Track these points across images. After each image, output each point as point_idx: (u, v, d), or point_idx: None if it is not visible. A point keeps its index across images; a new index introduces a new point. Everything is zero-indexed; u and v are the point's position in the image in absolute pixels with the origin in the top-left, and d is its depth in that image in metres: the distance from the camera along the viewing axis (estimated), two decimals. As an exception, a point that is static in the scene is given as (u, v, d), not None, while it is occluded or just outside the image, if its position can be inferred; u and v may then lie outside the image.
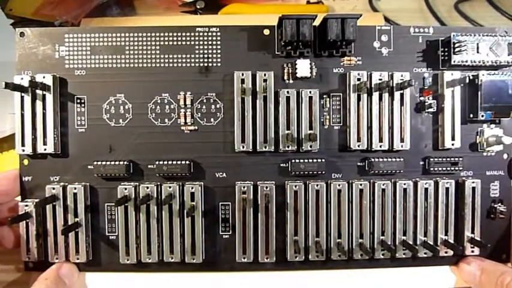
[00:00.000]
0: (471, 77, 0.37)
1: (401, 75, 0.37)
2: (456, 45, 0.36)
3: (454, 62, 0.37)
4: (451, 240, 0.38)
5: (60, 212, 0.37)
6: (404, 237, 0.38)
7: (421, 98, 0.38)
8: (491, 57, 0.37)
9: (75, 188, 0.37)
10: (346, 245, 0.37)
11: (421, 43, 0.38)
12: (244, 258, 0.37)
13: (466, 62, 0.37)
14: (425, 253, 0.38)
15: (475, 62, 0.37)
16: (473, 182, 0.37)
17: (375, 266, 0.38)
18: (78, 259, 0.37)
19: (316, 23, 0.36)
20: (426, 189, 0.37)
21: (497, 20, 0.55)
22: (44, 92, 0.36)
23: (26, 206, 0.37)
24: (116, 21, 0.52)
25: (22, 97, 0.36)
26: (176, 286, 0.38)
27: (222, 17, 0.55)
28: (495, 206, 0.38)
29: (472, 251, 0.38)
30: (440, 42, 0.38)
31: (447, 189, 0.38)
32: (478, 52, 0.36)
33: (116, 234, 0.38)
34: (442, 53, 0.38)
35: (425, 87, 0.38)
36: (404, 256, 0.38)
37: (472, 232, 0.38)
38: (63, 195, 0.37)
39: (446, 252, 0.38)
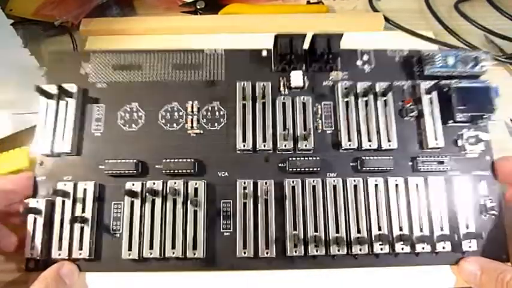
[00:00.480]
0: (444, 85, 0.42)
1: (383, 85, 0.42)
2: (428, 58, 0.42)
3: (428, 73, 0.42)
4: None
5: (68, 206, 0.38)
6: (401, 232, 0.39)
7: (403, 106, 0.42)
8: (460, 68, 0.42)
9: (85, 184, 0.39)
10: (344, 239, 0.38)
11: (397, 61, 0.44)
12: (244, 252, 0.38)
13: (438, 72, 0.42)
14: (423, 248, 0.38)
15: (446, 72, 0.42)
16: (460, 179, 0.40)
17: (375, 263, 0.39)
18: (80, 255, 0.38)
19: (307, 41, 0.42)
20: (417, 184, 0.40)
21: (497, 20, 0.55)
22: (68, 99, 0.41)
23: (37, 201, 0.38)
24: (116, 21, 0.53)
25: (46, 102, 0.41)
26: (177, 285, 0.38)
27: (222, 17, 0.55)
28: (485, 203, 0.40)
29: (470, 246, 0.38)
30: (414, 61, 0.44)
31: (437, 185, 0.40)
32: (447, 64, 0.42)
33: (120, 232, 0.39)
34: (417, 69, 0.44)
35: (406, 98, 0.43)
36: (403, 251, 0.38)
37: (467, 228, 0.39)
38: (74, 191, 0.39)
39: (444, 248, 0.38)
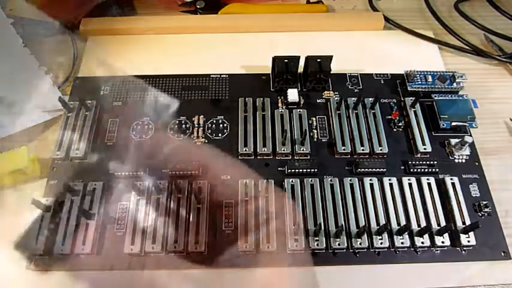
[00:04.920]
0: (428, 100, 0.47)
1: (371, 99, 0.46)
2: (410, 76, 0.47)
3: (411, 89, 0.47)
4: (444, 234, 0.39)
5: (76, 202, 0.40)
6: (399, 226, 0.39)
7: (391, 119, 0.46)
8: (439, 85, 0.47)
9: (94, 184, 0.41)
10: (344, 233, 0.39)
11: (383, 83, 0.49)
12: (246, 246, 0.38)
13: (420, 88, 0.47)
14: (422, 242, 0.39)
15: (427, 88, 0.47)
16: (451, 179, 0.42)
17: (376, 260, 0.39)
18: (83, 250, 0.38)
19: (301, 59, 0.48)
20: (410, 184, 0.42)
21: (497, 20, 0.55)
22: (86, 113, 0.45)
23: (46, 200, 0.40)
24: (116, 20, 0.54)
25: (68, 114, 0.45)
26: (178, 283, 0.38)
27: (222, 16, 0.55)
28: (478, 202, 0.41)
29: (468, 241, 0.39)
30: (398, 83, 0.49)
31: (429, 184, 0.42)
32: (427, 82, 0.47)
33: (124, 231, 0.39)
34: (401, 88, 0.49)
35: (393, 111, 0.47)
36: (402, 245, 0.38)
37: (463, 224, 0.40)
38: (83, 190, 0.41)
39: (443, 242, 0.39)
